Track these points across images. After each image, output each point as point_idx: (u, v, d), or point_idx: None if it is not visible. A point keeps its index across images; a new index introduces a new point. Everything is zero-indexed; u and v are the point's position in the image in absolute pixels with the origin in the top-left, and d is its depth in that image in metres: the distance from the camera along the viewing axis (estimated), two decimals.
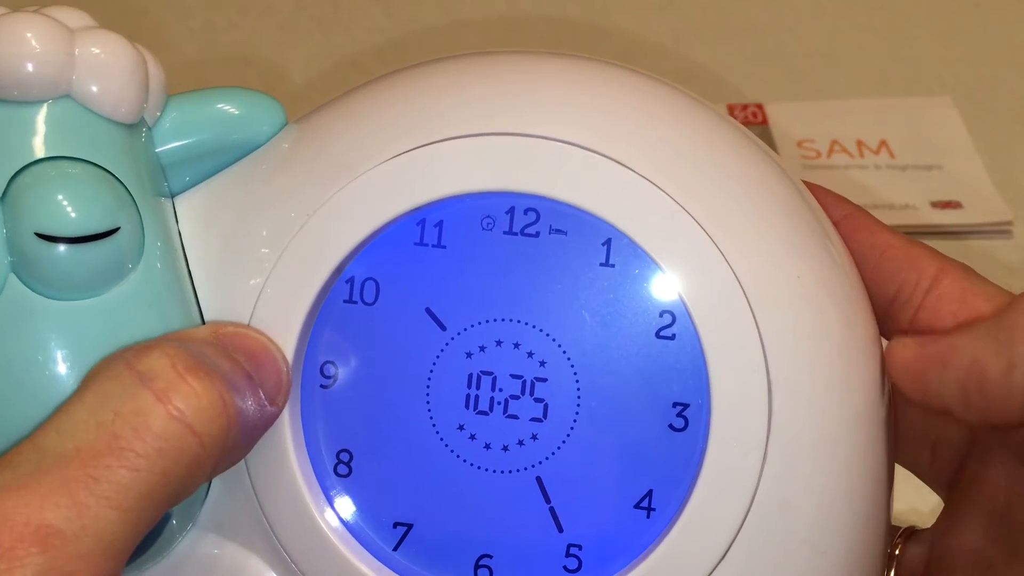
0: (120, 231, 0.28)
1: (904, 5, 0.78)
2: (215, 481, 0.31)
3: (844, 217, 0.34)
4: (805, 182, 0.33)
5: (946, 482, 0.36)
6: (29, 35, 0.27)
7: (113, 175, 0.28)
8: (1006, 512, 0.33)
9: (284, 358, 0.30)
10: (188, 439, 0.26)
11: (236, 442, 0.28)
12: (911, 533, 0.36)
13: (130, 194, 0.29)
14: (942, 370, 0.31)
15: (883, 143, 0.71)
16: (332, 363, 0.31)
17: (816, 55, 0.76)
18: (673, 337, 0.30)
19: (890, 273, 0.33)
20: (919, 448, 0.36)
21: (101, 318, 0.28)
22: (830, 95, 0.74)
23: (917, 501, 0.37)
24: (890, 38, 0.77)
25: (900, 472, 0.34)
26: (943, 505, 0.36)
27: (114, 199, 0.28)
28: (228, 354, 0.28)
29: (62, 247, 0.27)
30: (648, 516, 0.30)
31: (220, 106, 0.31)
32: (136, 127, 0.29)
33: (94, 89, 0.28)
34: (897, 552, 0.35)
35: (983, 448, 0.34)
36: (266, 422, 0.29)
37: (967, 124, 0.72)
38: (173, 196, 0.31)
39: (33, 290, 0.28)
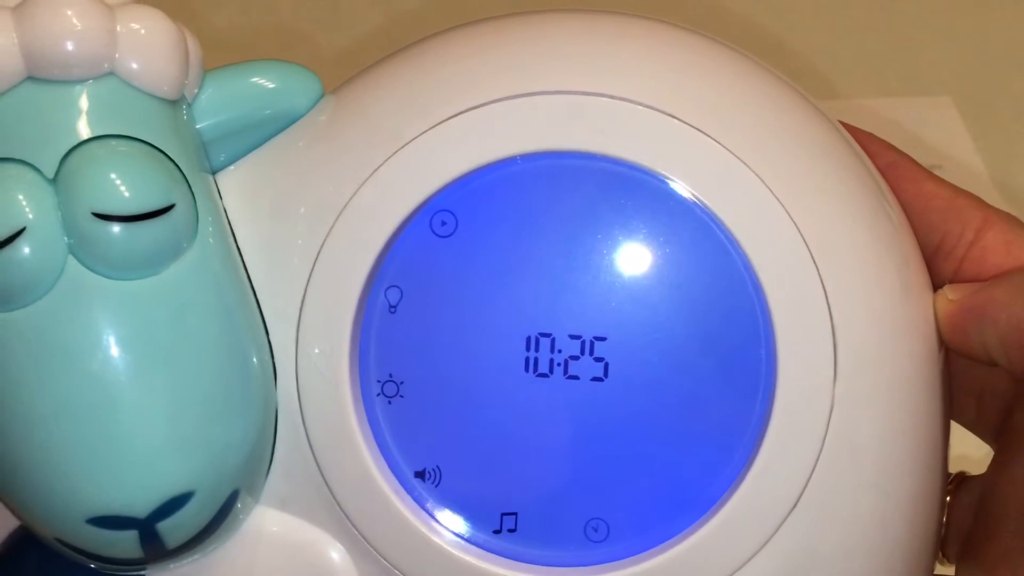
0: (175, 208, 0.28)
1: (904, 5, 0.78)
2: (277, 457, 0.31)
3: (888, 165, 0.34)
4: (850, 127, 0.34)
5: (994, 431, 0.36)
6: (69, 13, 0.27)
7: (163, 152, 0.28)
8: None
9: None
10: None
11: None
12: (962, 480, 0.36)
13: (180, 171, 0.29)
14: (981, 324, 0.31)
15: None
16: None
17: (816, 55, 0.76)
18: (735, 288, 0.30)
19: (933, 224, 0.33)
20: (965, 398, 0.36)
21: (161, 296, 0.28)
22: (830, 95, 0.74)
23: (969, 448, 0.37)
24: (890, 38, 0.77)
25: None
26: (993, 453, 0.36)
27: (167, 176, 0.28)
28: None
29: (119, 225, 0.27)
30: (718, 469, 0.30)
31: (256, 80, 0.31)
32: (178, 104, 0.29)
33: (136, 66, 0.28)
34: (948, 498, 0.35)
35: None
36: None
37: (967, 124, 0.72)
38: (214, 173, 0.31)
39: (93, 271, 0.28)
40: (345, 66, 0.33)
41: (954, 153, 0.71)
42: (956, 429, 0.36)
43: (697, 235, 0.30)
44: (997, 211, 0.33)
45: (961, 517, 0.36)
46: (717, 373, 0.30)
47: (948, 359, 0.33)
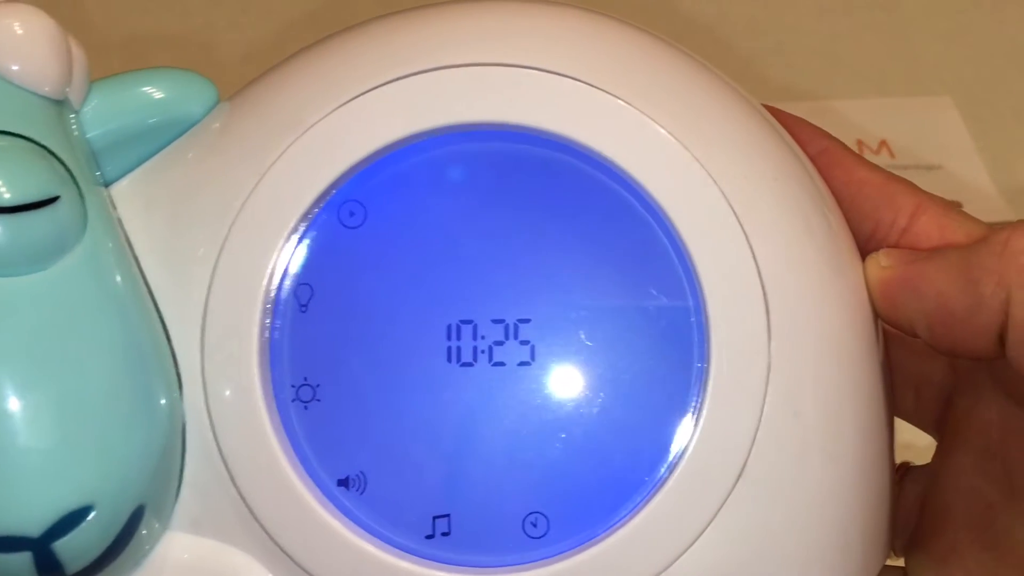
0: (59, 200, 0.27)
1: (904, 5, 0.77)
2: (187, 474, 0.30)
3: (820, 152, 0.33)
4: (781, 112, 0.33)
5: (934, 422, 0.35)
6: None
7: (46, 148, 0.27)
8: (1000, 449, 0.32)
9: None
10: None
11: None
12: (907, 470, 0.35)
13: (65, 166, 0.28)
14: (909, 296, 0.30)
15: (883, 143, 0.71)
16: None
17: (816, 55, 0.75)
18: (659, 255, 0.29)
19: (866, 212, 0.32)
20: (902, 390, 0.35)
21: (48, 293, 0.27)
22: (830, 95, 0.73)
23: (914, 435, 0.36)
24: (890, 38, 0.76)
25: None
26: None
27: (49, 169, 0.27)
28: None
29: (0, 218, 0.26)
30: (658, 444, 0.29)
31: (144, 89, 0.30)
32: (63, 107, 0.29)
33: (13, 62, 0.27)
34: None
35: (971, 385, 0.34)
36: None
37: (967, 124, 0.71)
38: (108, 184, 0.30)
39: None
40: (248, 73, 0.32)
41: (954, 153, 0.70)
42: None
43: (615, 204, 0.29)
44: (931, 196, 0.32)
45: (908, 508, 0.35)
46: (649, 345, 0.29)
47: (887, 337, 0.32)
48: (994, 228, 0.30)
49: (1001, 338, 0.29)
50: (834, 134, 0.64)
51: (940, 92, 0.73)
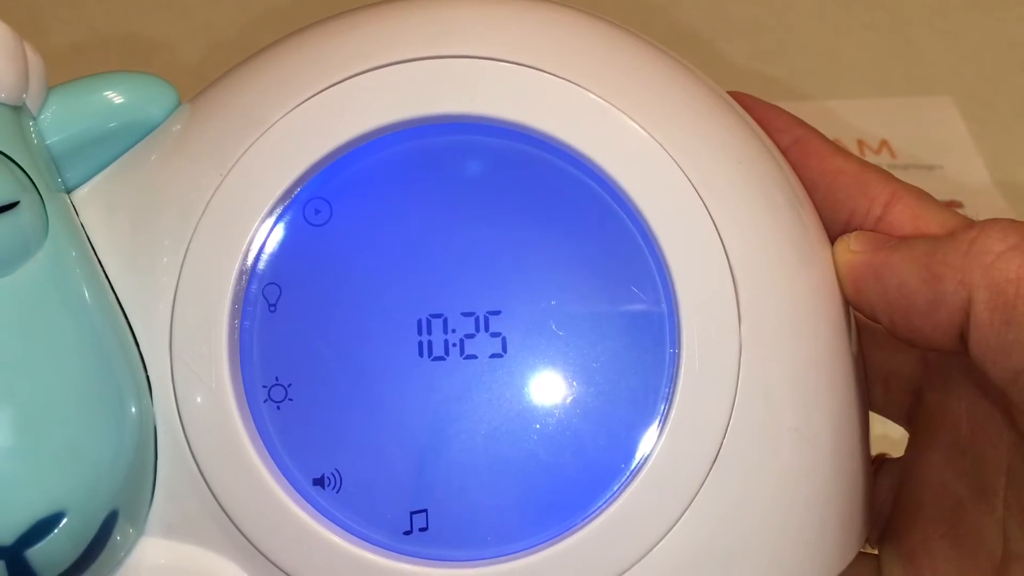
0: (19, 206, 0.27)
1: (904, 5, 0.77)
2: (160, 479, 0.30)
3: (796, 141, 0.33)
4: (757, 101, 0.33)
5: (905, 415, 0.35)
6: None
7: (3, 153, 0.27)
8: (969, 445, 0.32)
9: None
10: None
11: None
12: (882, 462, 0.36)
13: (25, 172, 0.27)
14: (873, 284, 0.30)
15: (884, 143, 0.71)
16: None
17: (816, 55, 0.75)
18: (625, 237, 0.29)
19: (840, 200, 0.32)
20: (872, 384, 0.35)
21: (9, 298, 0.27)
22: (830, 95, 0.73)
23: (890, 427, 0.36)
24: (890, 38, 0.76)
25: None
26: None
27: (8, 174, 0.27)
28: None
29: None
30: (634, 430, 0.29)
31: (103, 94, 0.30)
32: (21, 113, 0.28)
33: None
34: None
35: (941, 379, 0.34)
36: None
37: (968, 124, 0.71)
38: (70, 190, 0.30)
39: None
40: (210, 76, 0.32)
41: (954, 153, 0.70)
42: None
43: (581, 193, 0.29)
44: (906, 185, 0.32)
45: (881, 500, 0.35)
46: (620, 331, 0.29)
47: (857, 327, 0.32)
48: (965, 223, 0.30)
49: (962, 336, 0.29)
50: (834, 134, 0.64)
51: (940, 92, 0.73)
